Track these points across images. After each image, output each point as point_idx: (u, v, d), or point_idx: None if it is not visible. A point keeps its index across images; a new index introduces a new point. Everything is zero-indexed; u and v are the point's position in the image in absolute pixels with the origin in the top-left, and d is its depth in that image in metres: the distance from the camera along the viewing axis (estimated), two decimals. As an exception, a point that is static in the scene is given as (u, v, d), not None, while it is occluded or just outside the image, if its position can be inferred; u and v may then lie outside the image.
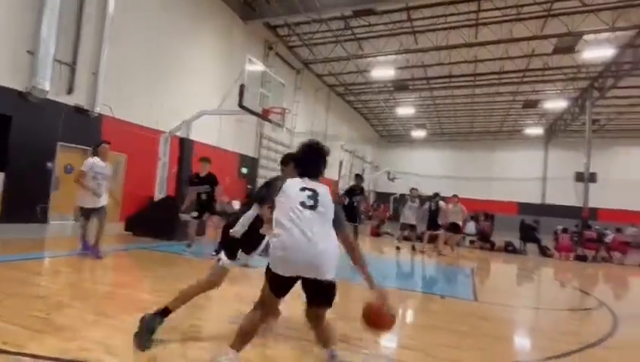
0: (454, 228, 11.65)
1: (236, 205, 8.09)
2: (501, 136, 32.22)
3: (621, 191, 27.44)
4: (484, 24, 15.39)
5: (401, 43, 17.25)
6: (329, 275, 2.40)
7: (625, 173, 28.03)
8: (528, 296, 7.15)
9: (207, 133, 13.52)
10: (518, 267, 10.70)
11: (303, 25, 17.00)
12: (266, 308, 2.53)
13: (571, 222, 17.76)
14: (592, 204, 19.86)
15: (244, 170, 16.53)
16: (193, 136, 10.12)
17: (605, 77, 18.54)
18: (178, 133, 9.95)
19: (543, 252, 13.28)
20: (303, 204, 2.41)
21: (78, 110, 9.66)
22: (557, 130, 27.97)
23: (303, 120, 20.75)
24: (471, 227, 14.62)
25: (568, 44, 16.11)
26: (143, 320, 2.88)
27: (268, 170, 18.19)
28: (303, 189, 2.47)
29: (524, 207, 28.76)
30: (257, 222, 3.05)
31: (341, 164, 24.58)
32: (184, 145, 9.82)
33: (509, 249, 13.48)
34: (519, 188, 30.52)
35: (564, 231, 13.98)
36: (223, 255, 3.09)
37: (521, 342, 4.15)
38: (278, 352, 2.99)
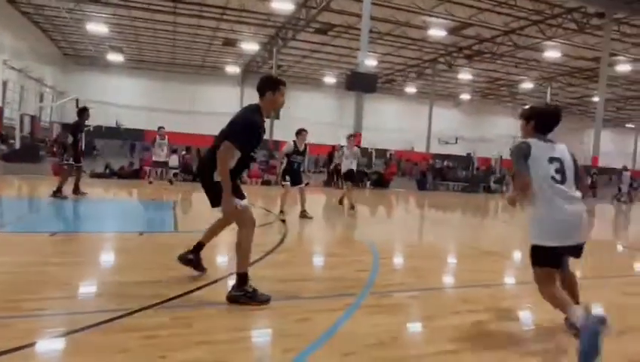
0: None
1: None
2: (204, 71, 33.00)
3: (298, 126, 34.26)
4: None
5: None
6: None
7: (301, 112, 34.72)
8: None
9: None
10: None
11: None
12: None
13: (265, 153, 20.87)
14: (278, 138, 23.77)
15: None
16: None
17: (287, 29, 21.66)
18: None
19: (237, 179, 15.10)
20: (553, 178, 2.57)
21: None
22: (251, 70, 31.17)
23: None
24: (174, 160, 14.65)
25: (261, -10, 17.63)
26: None
27: None
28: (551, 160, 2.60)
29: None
30: None
31: (5, 85, 18.88)
32: None
33: (209, 179, 14.58)
34: (220, 123, 32.83)
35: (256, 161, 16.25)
36: None
37: (219, 260, 4.56)
38: None
